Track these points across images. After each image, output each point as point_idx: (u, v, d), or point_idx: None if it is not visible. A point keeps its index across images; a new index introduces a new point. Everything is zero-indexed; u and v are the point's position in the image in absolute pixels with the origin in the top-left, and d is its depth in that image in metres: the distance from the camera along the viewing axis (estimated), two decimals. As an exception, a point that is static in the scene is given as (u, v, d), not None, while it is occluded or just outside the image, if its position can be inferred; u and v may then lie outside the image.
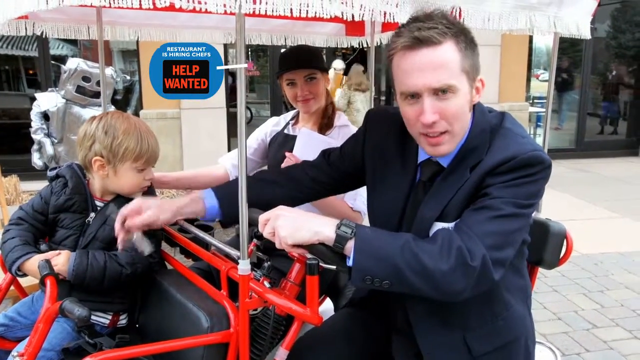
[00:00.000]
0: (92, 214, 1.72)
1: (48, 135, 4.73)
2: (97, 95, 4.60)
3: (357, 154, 1.61)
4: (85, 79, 4.60)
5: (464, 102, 1.29)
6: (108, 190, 1.75)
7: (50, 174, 1.80)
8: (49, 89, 4.94)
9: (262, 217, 1.36)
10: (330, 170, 1.68)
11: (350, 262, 1.25)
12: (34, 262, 1.59)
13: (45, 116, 4.69)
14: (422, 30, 1.23)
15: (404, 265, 1.20)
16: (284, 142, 2.29)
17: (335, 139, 2.18)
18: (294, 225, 1.29)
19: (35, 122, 4.70)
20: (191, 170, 2.39)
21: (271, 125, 2.43)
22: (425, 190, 1.43)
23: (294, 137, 2.24)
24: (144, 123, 1.75)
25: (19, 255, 1.62)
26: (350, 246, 1.25)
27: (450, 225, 1.33)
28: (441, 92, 1.25)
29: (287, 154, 2.14)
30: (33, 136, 4.73)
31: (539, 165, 1.28)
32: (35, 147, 4.77)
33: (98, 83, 4.53)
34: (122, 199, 1.73)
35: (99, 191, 1.75)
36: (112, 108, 5.11)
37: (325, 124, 2.25)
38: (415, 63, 1.25)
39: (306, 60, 2.17)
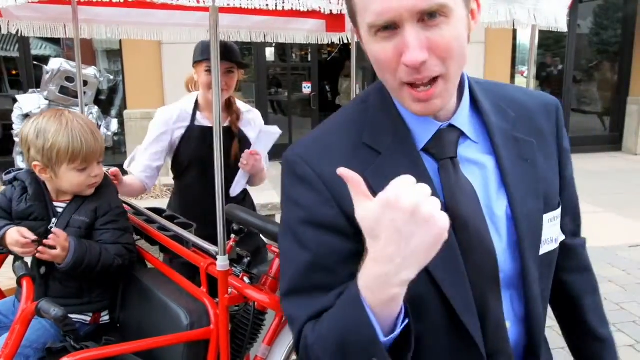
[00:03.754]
0: (54, 220, 1.68)
1: (30, 137, 4.66)
2: (80, 95, 4.55)
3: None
4: (69, 79, 4.53)
5: (462, 30, 0.84)
6: (61, 190, 1.70)
7: (6, 177, 1.74)
8: (30, 90, 4.87)
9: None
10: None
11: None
12: (12, 233, 1.58)
13: (28, 118, 4.62)
14: None
15: None
16: (202, 136, 2.25)
17: (252, 125, 2.36)
18: None
19: (17, 125, 4.63)
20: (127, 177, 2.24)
21: (172, 124, 2.30)
22: None
23: (211, 129, 2.16)
24: (81, 118, 1.66)
25: None
26: None
27: None
28: (428, 16, 0.80)
29: (249, 152, 2.19)
30: (16, 139, 4.66)
31: None
32: (18, 149, 4.69)
33: (82, 83, 4.48)
34: (79, 199, 1.69)
35: (54, 193, 1.71)
36: (95, 108, 5.07)
37: (234, 111, 2.32)
38: None
39: (229, 53, 2.20)
